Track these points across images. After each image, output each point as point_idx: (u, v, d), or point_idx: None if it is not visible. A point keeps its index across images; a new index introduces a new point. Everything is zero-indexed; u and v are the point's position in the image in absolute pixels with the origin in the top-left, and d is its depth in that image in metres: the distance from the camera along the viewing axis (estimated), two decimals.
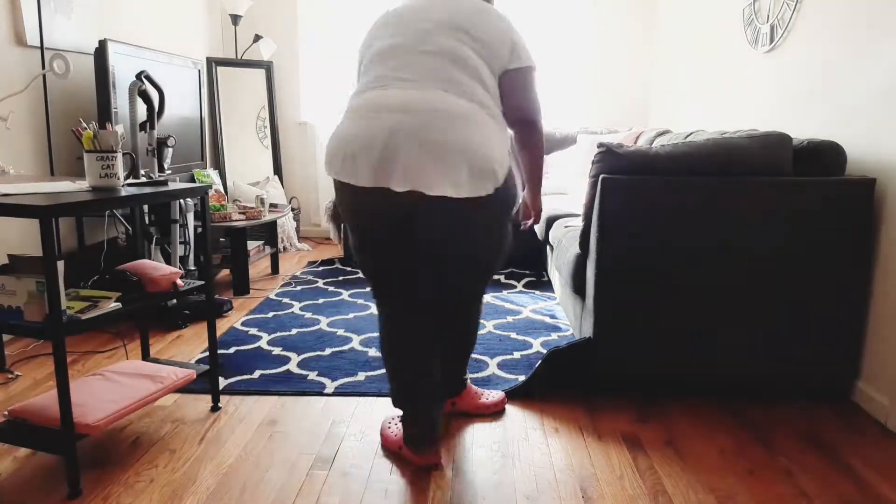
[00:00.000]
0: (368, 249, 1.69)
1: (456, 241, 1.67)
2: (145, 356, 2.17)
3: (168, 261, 2.92)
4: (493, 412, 2.02)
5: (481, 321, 2.84)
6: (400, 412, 1.98)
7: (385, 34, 1.67)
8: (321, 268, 3.94)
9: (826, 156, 2.04)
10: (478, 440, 1.85)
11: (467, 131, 1.52)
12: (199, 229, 3.12)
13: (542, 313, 3.04)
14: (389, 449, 1.80)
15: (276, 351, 2.51)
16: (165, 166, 2.87)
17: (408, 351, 1.71)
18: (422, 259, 1.70)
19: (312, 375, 2.27)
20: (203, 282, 1.97)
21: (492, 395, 2.06)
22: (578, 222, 2.77)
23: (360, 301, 3.23)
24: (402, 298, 1.72)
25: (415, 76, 1.57)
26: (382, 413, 2.01)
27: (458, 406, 2.01)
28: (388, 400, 2.10)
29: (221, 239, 3.65)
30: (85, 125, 1.74)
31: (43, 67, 2.77)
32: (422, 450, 1.69)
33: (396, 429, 1.82)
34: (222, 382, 2.20)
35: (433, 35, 1.60)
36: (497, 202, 1.62)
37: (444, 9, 1.63)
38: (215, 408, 2.02)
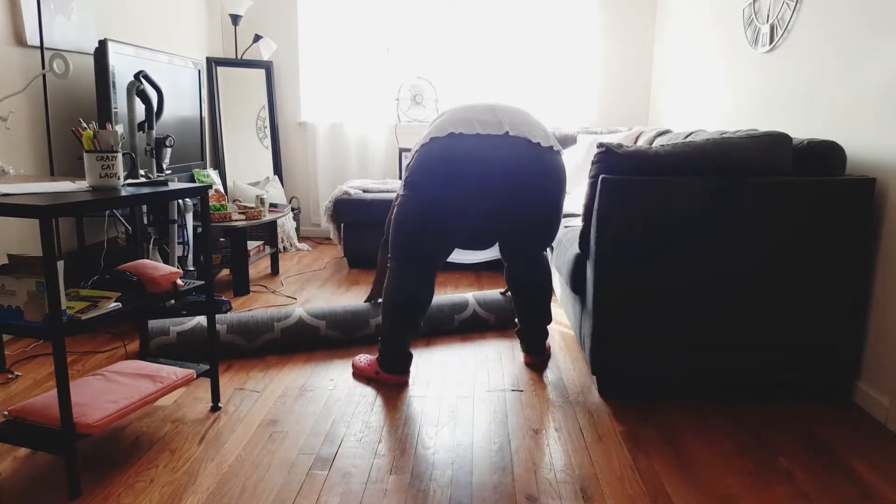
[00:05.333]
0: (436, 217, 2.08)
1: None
2: (145, 356, 2.17)
3: (166, 261, 2.92)
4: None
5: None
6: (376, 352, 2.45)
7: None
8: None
9: (826, 156, 2.04)
10: (478, 440, 1.85)
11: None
12: (200, 229, 3.12)
13: None
14: (364, 376, 2.27)
15: None
16: (164, 166, 2.87)
17: (420, 302, 2.16)
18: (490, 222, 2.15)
19: None
20: (203, 282, 1.97)
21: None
22: (578, 222, 2.77)
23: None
24: (438, 258, 2.14)
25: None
26: (383, 414, 2.01)
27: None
28: (386, 400, 2.11)
29: (221, 239, 3.65)
30: (85, 125, 1.74)
31: (43, 67, 2.77)
32: (402, 374, 2.22)
33: (367, 360, 2.30)
34: None
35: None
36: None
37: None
38: (215, 408, 2.02)
